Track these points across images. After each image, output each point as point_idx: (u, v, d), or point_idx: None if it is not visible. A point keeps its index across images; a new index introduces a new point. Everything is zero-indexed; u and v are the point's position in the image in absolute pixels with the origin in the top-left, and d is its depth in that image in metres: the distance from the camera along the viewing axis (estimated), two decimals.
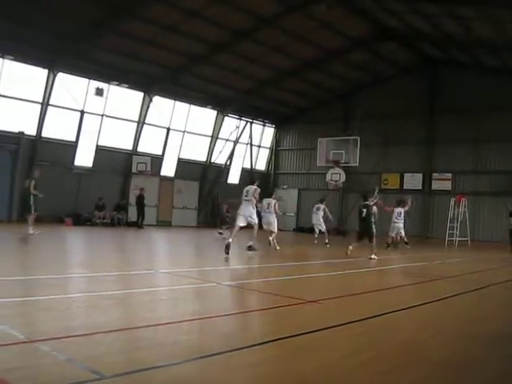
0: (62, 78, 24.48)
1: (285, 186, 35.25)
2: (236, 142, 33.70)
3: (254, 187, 14.50)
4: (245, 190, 14.55)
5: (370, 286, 9.62)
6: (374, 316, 6.67)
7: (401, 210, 20.44)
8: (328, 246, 19.74)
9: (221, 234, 21.00)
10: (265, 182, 35.55)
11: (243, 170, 35.17)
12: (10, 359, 4.15)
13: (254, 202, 14.25)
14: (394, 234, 20.50)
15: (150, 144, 29.49)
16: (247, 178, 35.02)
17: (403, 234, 20.64)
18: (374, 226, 15.29)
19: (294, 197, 35.29)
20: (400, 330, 6.16)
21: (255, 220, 14.21)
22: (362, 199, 15.99)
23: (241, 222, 13.94)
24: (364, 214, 15.36)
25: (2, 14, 19.88)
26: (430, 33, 25.17)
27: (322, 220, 21.53)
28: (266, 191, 20.07)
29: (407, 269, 13.77)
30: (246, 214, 14.01)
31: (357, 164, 28.49)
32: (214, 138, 32.49)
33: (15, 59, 22.89)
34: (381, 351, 5.13)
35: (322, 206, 21.76)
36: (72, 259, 12.53)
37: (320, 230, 21.52)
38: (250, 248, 14.18)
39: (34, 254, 13.01)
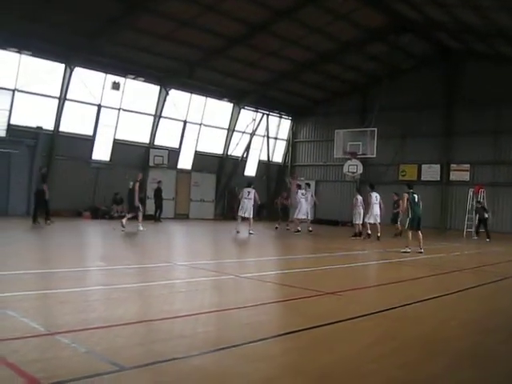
0: (78, 72, 24.58)
1: (302, 178, 35.14)
2: (252, 134, 33.64)
3: (253, 190, 19.88)
4: (246, 191, 19.77)
5: (389, 277, 9.56)
6: (393, 308, 6.65)
7: (376, 194, 20.35)
8: (252, 233, 19.34)
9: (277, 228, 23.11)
10: (281, 174, 35.54)
11: (260, 163, 35.12)
12: (31, 351, 4.18)
13: (253, 201, 19.67)
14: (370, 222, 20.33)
15: (166, 137, 29.54)
16: (264, 170, 35.12)
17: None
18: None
19: (312, 188, 35.14)
20: (419, 322, 6.12)
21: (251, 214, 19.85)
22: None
23: (245, 214, 19.72)
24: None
25: (18, 11, 20.00)
26: (447, 23, 24.87)
27: (251, 206, 20.07)
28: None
29: (426, 260, 13.64)
30: (248, 209, 19.59)
31: (374, 155, 28.32)
32: (231, 130, 32.43)
33: (32, 55, 23.01)
34: (400, 343, 5.10)
35: (253, 191, 20.24)
36: (91, 252, 12.62)
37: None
38: (250, 233, 19.21)
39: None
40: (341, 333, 5.46)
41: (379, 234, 19.46)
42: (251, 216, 19.83)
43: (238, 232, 19.52)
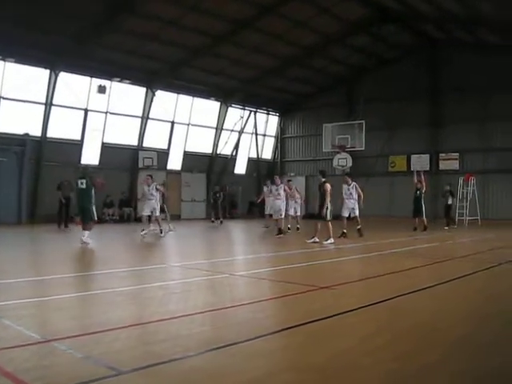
0: (63, 77, 24.48)
1: (292, 174, 35.18)
2: (241, 132, 33.69)
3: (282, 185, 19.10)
4: (274, 188, 19.05)
5: (382, 269, 9.58)
6: (388, 299, 6.68)
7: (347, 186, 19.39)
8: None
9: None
10: (271, 170, 35.55)
11: (249, 160, 35.18)
12: (27, 359, 4.18)
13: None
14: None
15: (155, 139, 29.51)
16: (254, 167, 35.15)
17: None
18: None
19: (302, 184, 35.18)
20: (413, 313, 6.16)
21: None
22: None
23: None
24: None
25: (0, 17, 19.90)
26: (430, 13, 24.95)
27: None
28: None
29: (418, 250, 13.73)
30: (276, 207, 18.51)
31: (363, 148, 28.47)
32: (219, 129, 32.42)
33: (16, 61, 22.90)
34: (395, 335, 5.14)
35: (282, 185, 19.74)
36: (85, 257, 12.59)
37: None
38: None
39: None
40: (336, 327, 5.49)
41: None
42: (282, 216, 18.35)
43: (266, 227, 20.34)
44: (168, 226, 19.67)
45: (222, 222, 25.12)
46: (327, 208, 14.94)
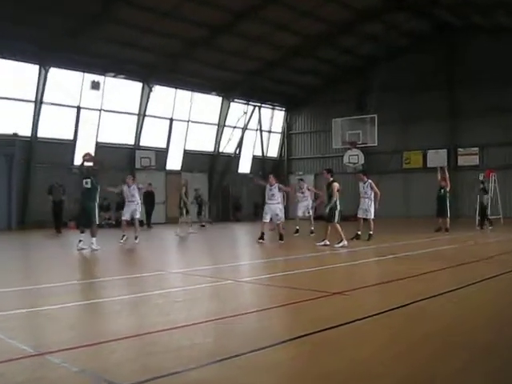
0: (54, 73, 24.55)
1: (300, 172, 35.13)
2: (244, 128, 33.71)
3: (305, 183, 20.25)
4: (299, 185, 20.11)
5: (399, 273, 9.55)
6: (406, 304, 6.65)
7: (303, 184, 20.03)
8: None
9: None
10: (278, 168, 35.54)
11: (254, 158, 35.19)
12: (21, 373, 4.18)
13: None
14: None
15: (153, 137, 29.57)
16: (259, 166, 35.13)
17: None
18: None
19: (310, 183, 35.11)
20: (431, 319, 6.12)
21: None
22: None
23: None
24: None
25: None
26: None
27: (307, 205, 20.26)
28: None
29: (438, 252, 13.65)
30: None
31: (376, 144, 28.45)
32: (221, 126, 32.49)
33: (3, 57, 22.96)
34: (411, 343, 5.10)
35: (305, 185, 20.62)
36: (78, 265, 12.61)
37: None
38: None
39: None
40: (349, 335, 5.46)
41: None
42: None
43: (311, 233, 19.01)
44: (189, 228, 21.16)
45: (204, 225, 26.08)
46: (333, 209, 14.86)
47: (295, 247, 15.59)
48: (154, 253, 15.50)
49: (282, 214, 17.07)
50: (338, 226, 14.85)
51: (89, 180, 14.15)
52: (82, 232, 14.50)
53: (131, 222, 17.48)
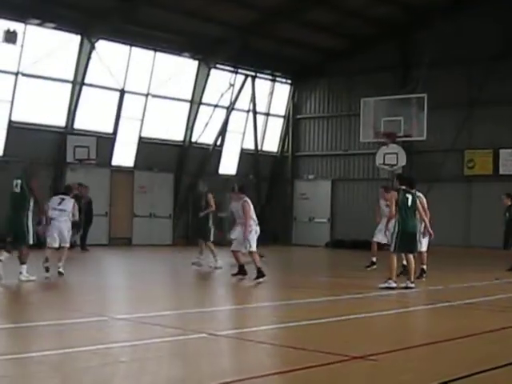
0: None
1: (310, 176, 35.10)
2: (230, 108, 33.59)
3: None
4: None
5: (453, 330, 9.61)
6: (461, 377, 6.63)
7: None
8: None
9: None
10: (278, 169, 35.46)
11: (243, 153, 34.99)
12: None
13: None
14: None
15: (93, 117, 29.48)
16: (251, 164, 34.90)
17: None
18: None
19: (326, 192, 35.10)
20: None
21: None
22: None
23: None
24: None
25: None
26: None
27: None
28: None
29: (498, 302, 13.71)
30: None
31: (424, 137, 28.33)
32: (196, 103, 32.26)
33: None
34: None
35: None
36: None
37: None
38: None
39: None
40: None
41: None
42: None
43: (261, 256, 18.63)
44: (214, 259, 20.22)
45: None
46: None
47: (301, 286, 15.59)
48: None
49: (250, 242, 16.67)
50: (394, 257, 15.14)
51: (19, 181, 14.16)
52: (9, 252, 14.46)
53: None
